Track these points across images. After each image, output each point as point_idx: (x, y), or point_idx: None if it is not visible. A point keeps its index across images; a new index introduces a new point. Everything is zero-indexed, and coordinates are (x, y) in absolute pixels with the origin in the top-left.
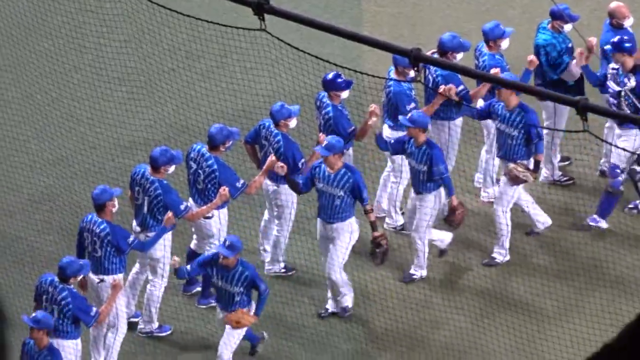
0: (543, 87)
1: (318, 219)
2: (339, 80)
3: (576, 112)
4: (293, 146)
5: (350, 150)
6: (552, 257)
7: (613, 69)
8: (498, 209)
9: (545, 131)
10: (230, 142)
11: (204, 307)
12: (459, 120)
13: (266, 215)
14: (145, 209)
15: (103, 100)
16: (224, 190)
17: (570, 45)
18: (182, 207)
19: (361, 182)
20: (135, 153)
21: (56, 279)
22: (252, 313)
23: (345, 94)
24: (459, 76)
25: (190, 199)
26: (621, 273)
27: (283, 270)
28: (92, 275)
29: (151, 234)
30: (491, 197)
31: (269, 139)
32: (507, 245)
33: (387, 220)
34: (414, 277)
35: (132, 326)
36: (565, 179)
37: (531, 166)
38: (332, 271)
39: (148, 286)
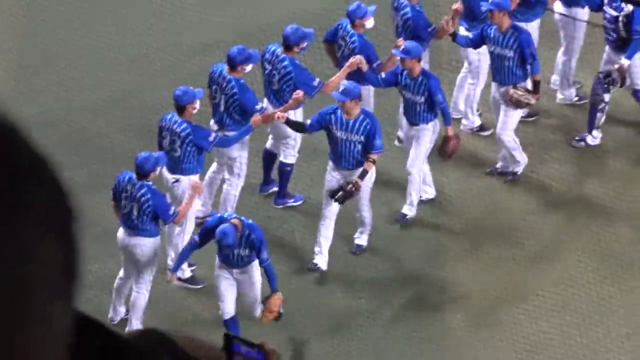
0: None
1: (331, 169)
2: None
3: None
4: (369, 47)
5: (427, 53)
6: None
7: None
8: (504, 135)
9: (560, 52)
10: (305, 44)
11: (281, 207)
12: (535, 22)
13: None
14: (222, 107)
15: (174, 2)
16: (298, 93)
17: None
18: (258, 107)
19: (378, 130)
20: (213, 53)
21: (134, 176)
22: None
23: (368, 24)
24: None
25: (266, 100)
26: None
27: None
28: (167, 174)
29: (229, 133)
30: (471, 126)
31: (345, 39)
32: (522, 156)
33: (463, 121)
34: (407, 218)
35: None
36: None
37: (530, 87)
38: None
39: (225, 185)
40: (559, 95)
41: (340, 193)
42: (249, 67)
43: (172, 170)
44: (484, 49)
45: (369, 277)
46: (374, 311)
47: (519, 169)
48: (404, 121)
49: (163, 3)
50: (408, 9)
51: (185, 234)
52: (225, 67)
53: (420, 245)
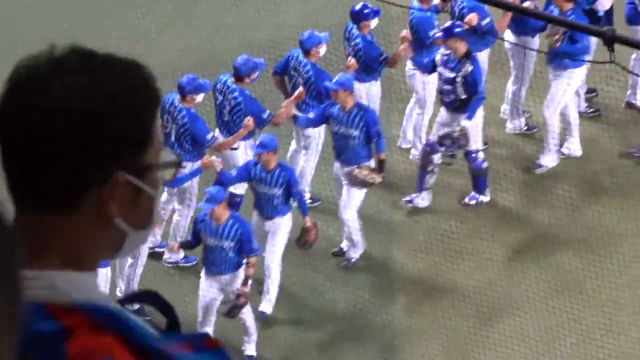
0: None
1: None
2: (367, 10)
3: (603, 42)
4: (323, 75)
5: (378, 83)
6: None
7: (444, 55)
8: (347, 214)
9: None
10: (256, 74)
11: None
12: (485, 52)
13: (293, 146)
14: (173, 137)
15: (131, 29)
16: (249, 120)
17: None
18: (209, 136)
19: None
20: (163, 82)
21: None
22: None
23: (374, 23)
24: (485, 7)
25: (217, 130)
26: None
27: (309, 201)
28: None
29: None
30: (517, 129)
31: (298, 69)
32: (362, 240)
33: (412, 151)
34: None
35: (157, 256)
36: (591, 110)
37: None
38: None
39: (175, 215)
40: (509, 125)
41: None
42: (199, 97)
43: None
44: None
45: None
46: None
47: (356, 255)
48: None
49: (109, 36)
50: (359, 39)
51: (137, 267)
52: (177, 97)
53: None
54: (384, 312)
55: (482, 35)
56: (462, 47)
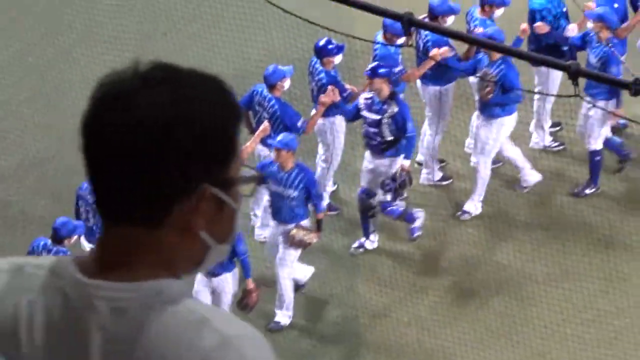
0: (536, 52)
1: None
2: (331, 46)
3: (568, 76)
4: (288, 108)
5: (342, 117)
6: (540, 219)
7: (367, 98)
8: (282, 272)
9: (536, 96)
10: None
11: None
12: (450, 86)
13: None
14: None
15: (96, 62)
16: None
17: (564, 9)
18: (300, 122)
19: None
20: None
21: (49, 241)
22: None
23: (337, 59)
24: (450, 41)
25: None
26: (611, 237)
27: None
28: (84, 243)
29: None
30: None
31: (262, 104)
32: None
33: (423, 172)
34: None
35: None
36: (556, 144)
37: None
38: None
39: None
40: (473, 159)
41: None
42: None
43: (89, 240)
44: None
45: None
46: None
47: (285, 321)
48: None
49: (74, 68)
50: (323, 74)
51: None
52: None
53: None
54: (349, 347)
55: (446, 70)
56: (386, 88)
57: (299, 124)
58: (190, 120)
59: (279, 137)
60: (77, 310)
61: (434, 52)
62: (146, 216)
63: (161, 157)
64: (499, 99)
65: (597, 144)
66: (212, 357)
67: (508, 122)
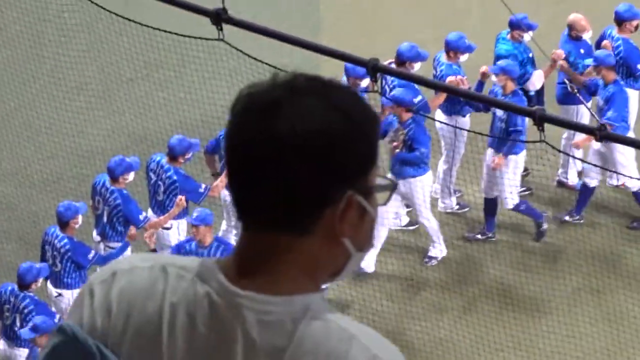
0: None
1: None
2: None
3: (533, 122)
4: None
5: None
6: (508, 267)
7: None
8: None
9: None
10: (191, 154)
11: None
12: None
13: (224, 226)
14: (105, 219)
15: (61, 109)
16: (181, 199)
17: (531, 54)
18: (141, 217)
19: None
20: (94, 162)
21: (16, 287)
22: None
23: None
24: (416, 86)
25: (150, 210)
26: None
27: None
28: (50, 287)
29: (111, 244)
30: (448, 208)
31: None
32: None
33: (440, 203)
34: None
35: None
36: (522, 189)
37: None
38: None
39: None
40: (440, 204)
41: None
42: (130, 176)
43: (55, 284)
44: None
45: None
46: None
47: None
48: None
49: (40, 115)
50: None
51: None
52: (108, 178)
53: None
54: None
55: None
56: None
57: None
58: (341, 129)
59: (195, 214)
60: (224, 318)
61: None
62: (294, 222)
63: (314, 165)
64: (405, 155)
65: (514, 200)
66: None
67: (424, 180)
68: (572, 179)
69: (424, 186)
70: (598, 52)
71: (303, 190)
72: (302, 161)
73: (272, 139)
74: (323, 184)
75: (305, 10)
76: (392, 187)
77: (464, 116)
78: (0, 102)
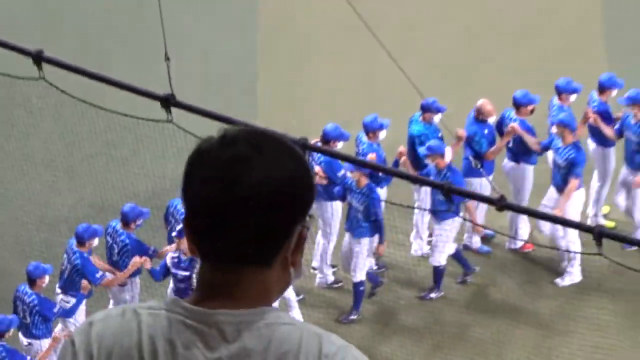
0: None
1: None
2: None
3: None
4: None
5: None
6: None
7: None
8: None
9: (416, 210)
10: (141, 221)
11: None
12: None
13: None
14: (67, 274)
15: (31, 182)
16: (136, 259)
17: (440, 134)
18: (98, 275)
19: None
20: (59, 229)
21: None
22: None
23: None
24: (339, 162)
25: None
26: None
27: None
28: (22, 337)
29: (68, 297)
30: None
31: (175, 216)
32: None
33: (318, 277)
34: None
35: None
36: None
37: None
38: None
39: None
40: (319, 276)
41: None
42: (95, 241)
43: (25, 335)
44: (337, 204)
45: None
46: None
47: None
48: None
49: (12, 187)
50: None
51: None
52: (74, 242)
53: None
54: None
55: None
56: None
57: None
58: (302, 176)
59: (178, 227)
60: (203, 336)
61: (317, 170)
62: (260, 257)
63: (283, 207)
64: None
65: (360, 276)
66: (334, 358)
67: (372, 240)
68: (476, 244)
69: (369, 245)
70: (563, 118)
71: (272, 230)
72: (273, 205)
73: (247, 187)
74: (288, 222)
75: (243, 98)
76: (311, 217)
77: (381, 187)
78: None
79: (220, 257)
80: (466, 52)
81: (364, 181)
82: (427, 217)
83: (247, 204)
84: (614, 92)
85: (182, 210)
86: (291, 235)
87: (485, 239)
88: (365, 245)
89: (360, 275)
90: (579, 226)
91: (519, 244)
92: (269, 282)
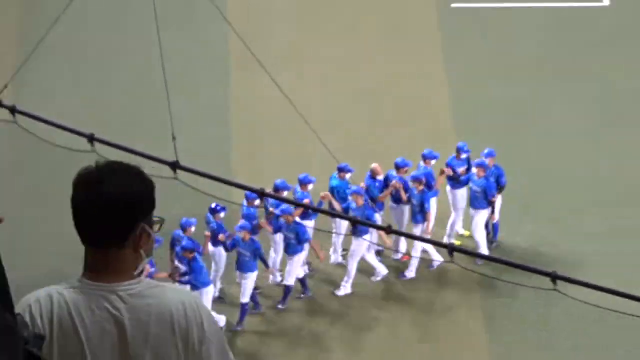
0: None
1: None
2: (218, 207)
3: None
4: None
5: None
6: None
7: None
8: None
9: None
10: (157, 245)
11: None
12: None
13: (212, 270)
14: None
15: (54, 220)
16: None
17: (350, 186)
18: None
19: None
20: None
21: None
22: None
23: (222, 216)
24: (284, 205)
25: None
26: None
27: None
28: None
29: None
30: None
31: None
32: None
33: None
34: None
35: None
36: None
37: None
38: None
39: None
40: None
41: None
42: None
43: None
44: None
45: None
46: None
47: None
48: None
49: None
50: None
51: None
52: None
53: None
54: None
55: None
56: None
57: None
58: (140, 192)
59: (184, 242)
60: (103, 302)
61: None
62: (119, 242)
63: (130, 211)
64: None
65: (291, 281)
66: (190, 304)
67: (302, 257)
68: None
69: (299, 261)
70: (415, 172)
71: (124, 225)
72: (124, 209)
73: (106, 198)
74: (133, 220)
75: (219, 160)
76: (161, 221)
77: (311, 220)
78: None
79: (93, 243)
80: (371, 122)
81: (291, 219)
82: (341, 238)
83: (104, 208)
84: (433, 162)
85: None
86: (136, 229)
87: (379, 253)
88: (299, 259)
89: (291, 280)
90: (437, 243)
91: (400, 255)
92: (127, 260)
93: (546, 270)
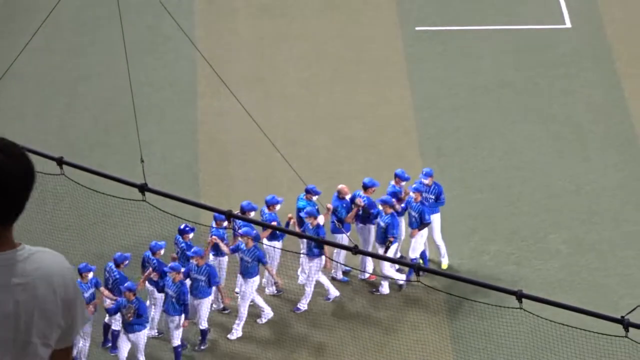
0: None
1: None
2: (187, 228)
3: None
4: (163, 266)
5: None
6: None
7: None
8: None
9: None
10: (127, 262)
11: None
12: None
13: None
14: None
15: (54, 241)
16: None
17: (317, 207)
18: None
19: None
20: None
21: None
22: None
23: (190, 236)
24: (253, 226)
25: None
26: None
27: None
28: None
29: None
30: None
31: (148, 262)
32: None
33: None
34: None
35: None
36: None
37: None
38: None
39: None
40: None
41: None
42: (90, 275)
43: None
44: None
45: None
46: None
47: None
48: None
49: (38, 241)
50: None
51: None
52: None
53: None
54: None
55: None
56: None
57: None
58: (24, 172)
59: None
60: (5, 268)
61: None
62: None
63: (15, 190)
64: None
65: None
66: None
67: (256, 281)
68: (339, 276)
69: (254, 285)
70: (385, 197)
71: (11, 205)
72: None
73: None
74: (20, 200)
75: (188, 182)
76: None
77: (279, 241)
78: None
79: None
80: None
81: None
82: (342, 254)
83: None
84: (374, 189)
85: (154, 259)
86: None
87: (345, 273)
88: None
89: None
90: (403, 263)
91: (367, 275)
92: (8, 235)
93: (511, 289)
